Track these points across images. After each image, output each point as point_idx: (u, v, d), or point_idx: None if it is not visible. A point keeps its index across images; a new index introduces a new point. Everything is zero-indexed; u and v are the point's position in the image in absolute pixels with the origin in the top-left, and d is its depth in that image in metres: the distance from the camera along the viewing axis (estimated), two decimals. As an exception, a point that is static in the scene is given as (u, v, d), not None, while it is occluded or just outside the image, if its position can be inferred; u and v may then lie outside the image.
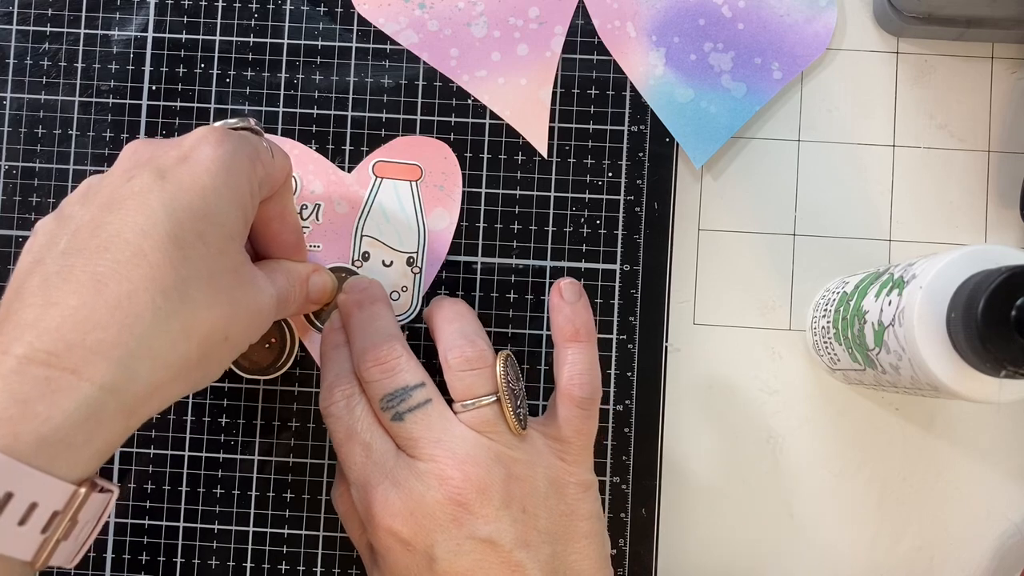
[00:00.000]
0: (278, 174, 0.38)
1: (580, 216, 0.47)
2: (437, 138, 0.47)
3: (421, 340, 0.46)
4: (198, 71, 0.47)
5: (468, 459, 0.38)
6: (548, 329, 0.46)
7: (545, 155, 0.47)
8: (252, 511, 0.46)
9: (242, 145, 0.36)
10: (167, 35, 0.47)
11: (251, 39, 0.47)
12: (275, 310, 0.38)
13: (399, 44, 0.47)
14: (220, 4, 0.47)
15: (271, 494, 0.46)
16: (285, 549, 0.46)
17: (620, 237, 0.47)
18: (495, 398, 0.39)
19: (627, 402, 0.46)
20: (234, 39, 0.47)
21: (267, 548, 0.46)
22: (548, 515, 0.39)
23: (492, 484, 0.38)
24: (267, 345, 0.45)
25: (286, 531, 0.46)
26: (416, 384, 0.39)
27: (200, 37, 0.47)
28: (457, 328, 0.41)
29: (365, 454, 0.39)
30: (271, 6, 0.47)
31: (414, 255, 0.46)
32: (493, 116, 0.47)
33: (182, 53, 0.47)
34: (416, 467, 0.38)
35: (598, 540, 0.40)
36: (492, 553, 0.37)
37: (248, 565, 0.46)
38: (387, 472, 0.38)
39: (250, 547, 0.46)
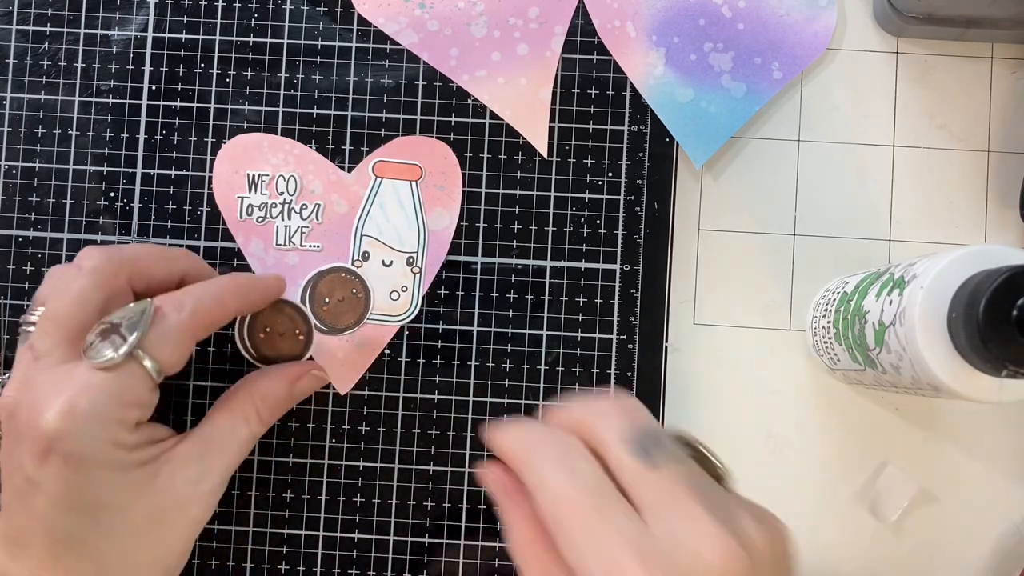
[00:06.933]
0: (177, 356, 0.38)
1: (580, 216, 0.47)
2: (437, 138, 0.47)
3: (421, 340, 0.46)
4: (198, 71, 0.47)
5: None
6: (548, 330, 0.46)
7: (545, 155, 0.47)
8: (252, 511, 0.46)
9: (95, 419, 0.36)
10: (167, 35, 0.47)
11: (251, 39, 0.47)
12: (240, 455, 0.41)
13: (399, 44, 0.47)
14: (220, 4, 0.47)
15: (271, 494, 0.46)
16: (285, 549, 0.46)
17: (620, 237, 0.47)
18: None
19: (627, 402, 0.46)
20: (234, 39, 0.47)
21: (267, 548, 0.46)
22: None
23: None
24: (300, 336, 0.45)
25: (286, 531, 0.46)
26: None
27: (200, 37, 0.47)
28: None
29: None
30: (271, 6, 0.47)
31: (414, 255, 0.46)
32: (493, 116, 0.47)
33: (182, 53, 0.47)
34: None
35: None
36: None
37: (248, 565, 0.46)
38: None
39: (250, 547, 0.46)
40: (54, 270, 0.40)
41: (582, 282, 0.46)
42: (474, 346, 0.46)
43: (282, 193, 0.46)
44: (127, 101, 0.47)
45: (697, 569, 0.27)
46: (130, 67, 0.47)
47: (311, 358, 0.46)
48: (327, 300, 0.46)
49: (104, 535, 0.37)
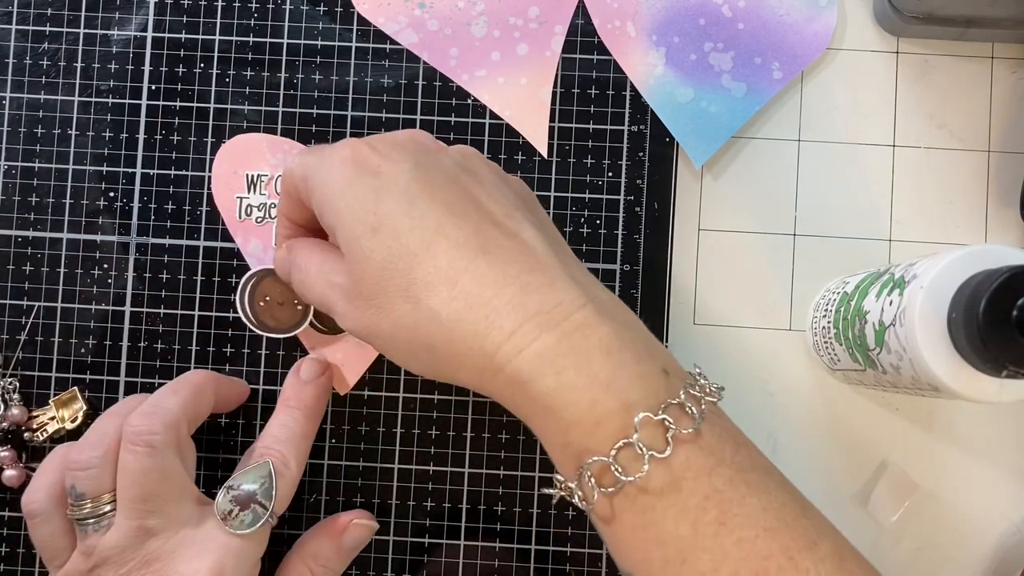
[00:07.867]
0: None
1: (580, 216, 0.47)
2: (437, 138, 0.47)
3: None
4: (198, 71, 0.47)
5: None
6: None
7: (545, 155, 0.47)
8: (252, 511, 0.46)
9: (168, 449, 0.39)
10: (167, 35, 0.47)
11: (251, 39, 0.47)
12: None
13: (399, 44, 0.47)
14: (220, 4, 0.47)
15: (271, 494, 0.46)
16: (285, 549, 0.45)
17: (620, 237, 0.47)
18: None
19: (627, 402, 0.46)
20: (234, 39, 0.47)
21: (267, 548, 0.46)
22: None
23: None
24: (299, 306, 0.45)
25: (286, 531, 0.46)
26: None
27: (200, 37, 0.47)
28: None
29: None
30: (271, 6, 0.47)
31: (414, 255, 0.46)
32: (493, 116, 0.47)
33: (182, 53, 0.47)
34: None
35: None
36: None
37: (248, 565, 0.46)
38: None
39: (250, 547, 0.46)
40: (95, 458, 0.40)
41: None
42: (474, 346, 0.46)
43: (282, 193, 0.46)
44: (127, 101, 0.47)
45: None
46: (130, 67, 0.47)
47: (315, 326, 0.46)
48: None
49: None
